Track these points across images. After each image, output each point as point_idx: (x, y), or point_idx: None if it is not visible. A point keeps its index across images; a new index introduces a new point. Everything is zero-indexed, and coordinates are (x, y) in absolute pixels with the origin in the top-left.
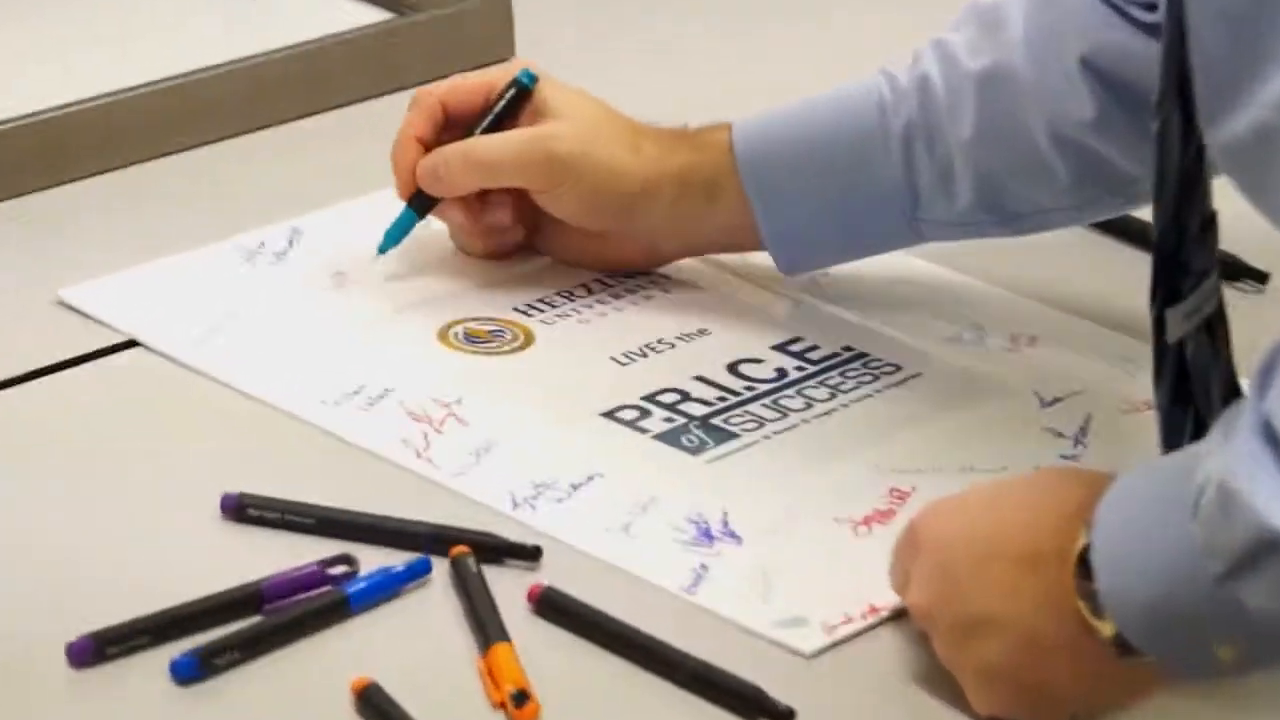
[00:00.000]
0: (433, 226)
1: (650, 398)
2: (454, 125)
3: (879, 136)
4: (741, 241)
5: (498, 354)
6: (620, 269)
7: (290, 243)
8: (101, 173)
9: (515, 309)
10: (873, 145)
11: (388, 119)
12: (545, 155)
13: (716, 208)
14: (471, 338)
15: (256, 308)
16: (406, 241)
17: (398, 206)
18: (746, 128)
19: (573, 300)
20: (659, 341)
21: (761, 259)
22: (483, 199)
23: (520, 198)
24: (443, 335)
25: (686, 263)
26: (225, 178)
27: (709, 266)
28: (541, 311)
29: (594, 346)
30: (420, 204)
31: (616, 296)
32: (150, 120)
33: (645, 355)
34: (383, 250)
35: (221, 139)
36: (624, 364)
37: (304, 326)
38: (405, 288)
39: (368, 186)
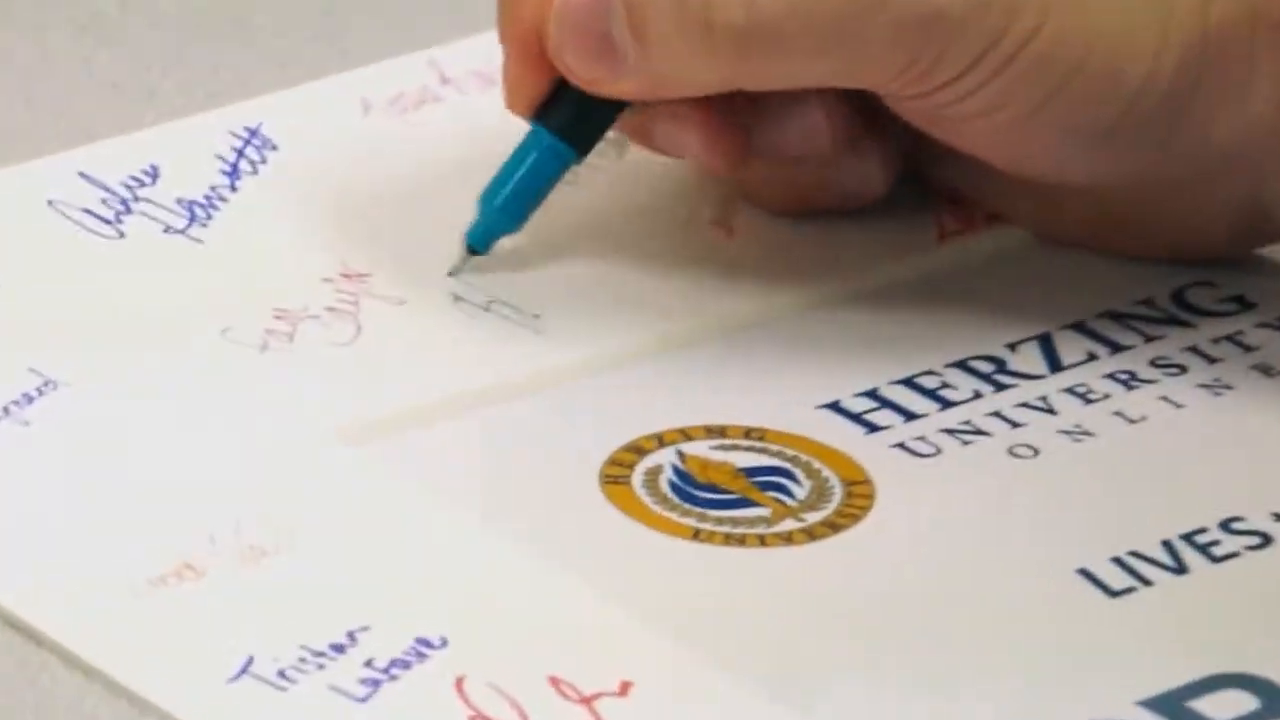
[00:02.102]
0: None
1: (1178, 704)
2: None
3: None
4: None
5: (759, 541)
6: (1150, 255)
7: (234, 170)
8: None
9: (827, 405)
10: None
11: None
12: (911, 11)
13: None
14: (694, 488)
15: (119, 368)
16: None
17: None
18: None
19: (999, 381)
20: (1229, 524)
21: None
22: (752, 103)
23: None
24: (612, 476)
25: None
26: None
27: None
28: (905, 417)
29: (1035, 529)
30: (573, 121)
31: (1127, 380)
32: None
33: (1179, 569)
34: (476, 245)
35: None
36: (1116, 594)
37: (233, 430)
38: (516, 323)
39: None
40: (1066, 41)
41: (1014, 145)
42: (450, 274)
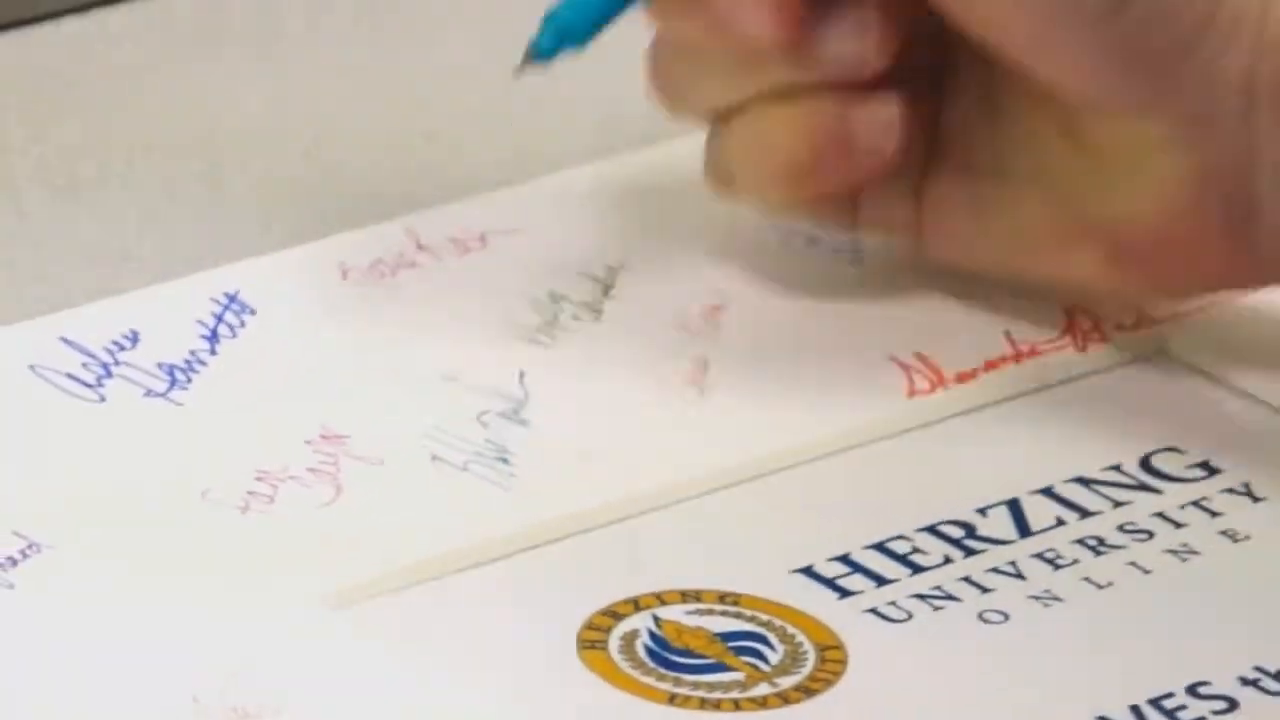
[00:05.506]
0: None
1: None
2: None
3: None
4: None
5: (733, 705)
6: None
7: (213, 334)
8: None
9: (800, 570)
10: None
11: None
12: None
13: None
14: (670, 652)
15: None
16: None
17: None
18: None
19: (969, 546)
20: (1195, 688)
21: None
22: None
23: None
24: (589, 640)
25: None
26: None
27: None
28: (877, 582)
29: (1004, 695)
30: None
31: (1095, 545)
32: None
33: None
34: (542, 52)
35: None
36: None
37: (215, 593)
38: (492, 483)
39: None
40: None
41: (1035, 25)
42: (514, 76)
